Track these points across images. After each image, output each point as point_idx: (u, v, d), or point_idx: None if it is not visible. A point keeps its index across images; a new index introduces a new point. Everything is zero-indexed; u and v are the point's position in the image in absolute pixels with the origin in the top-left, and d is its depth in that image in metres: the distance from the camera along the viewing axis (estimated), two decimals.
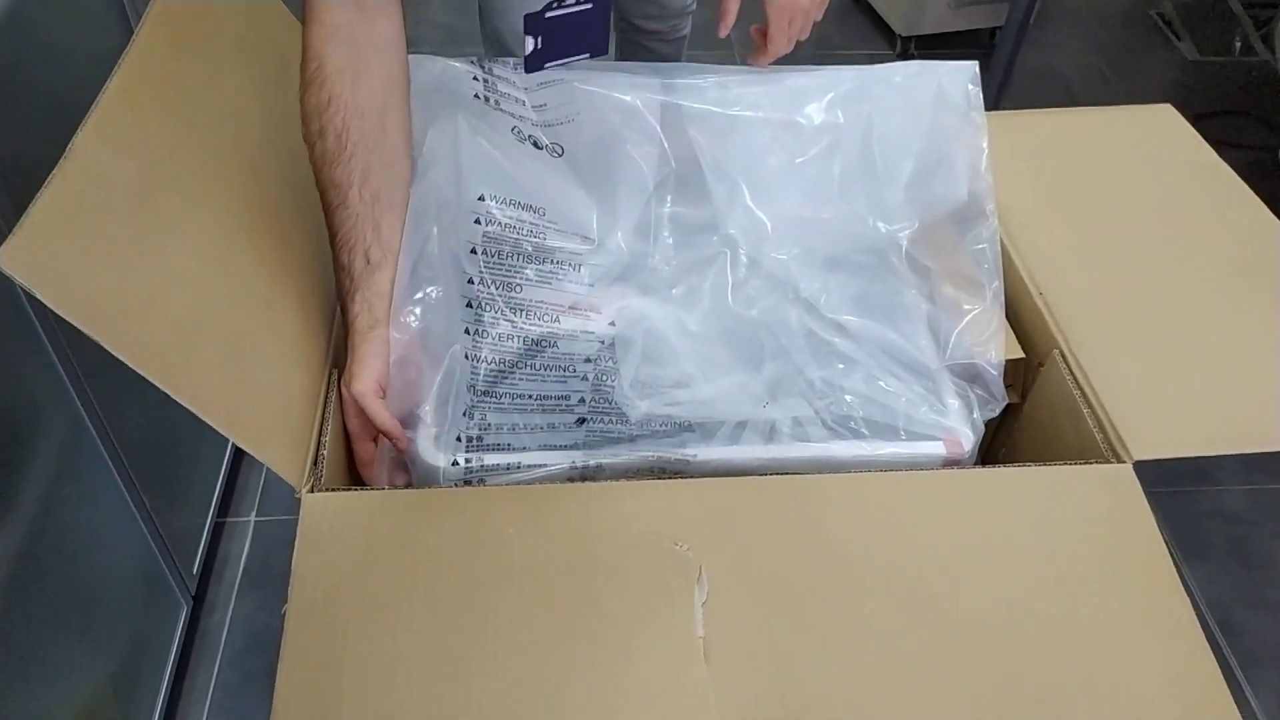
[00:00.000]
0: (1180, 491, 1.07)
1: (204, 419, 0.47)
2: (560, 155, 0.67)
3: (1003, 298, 0.65)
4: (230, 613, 0.93)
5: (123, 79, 0.50)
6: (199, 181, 0.53)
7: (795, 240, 0.69)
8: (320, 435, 0.56)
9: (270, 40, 0.66)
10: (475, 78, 0.67)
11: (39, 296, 0.41)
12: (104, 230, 0.46)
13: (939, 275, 0.66)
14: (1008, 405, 0.65)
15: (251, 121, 0.60)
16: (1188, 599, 0.49)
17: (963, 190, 0.67)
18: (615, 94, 0.67)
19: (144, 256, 0.48)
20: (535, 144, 0.67)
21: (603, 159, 0.68)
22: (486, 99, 0.67)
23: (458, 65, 0.67)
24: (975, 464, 0.63)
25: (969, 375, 0.64)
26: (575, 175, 0.68)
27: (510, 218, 0.66)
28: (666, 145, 0.68)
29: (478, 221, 0.66)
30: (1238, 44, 1.82)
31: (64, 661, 0.69)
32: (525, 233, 0.67)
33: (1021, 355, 0.65)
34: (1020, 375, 0.66)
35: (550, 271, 0.67)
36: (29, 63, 0.67)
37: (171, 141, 0.52)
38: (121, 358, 0.44)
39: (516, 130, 0.67)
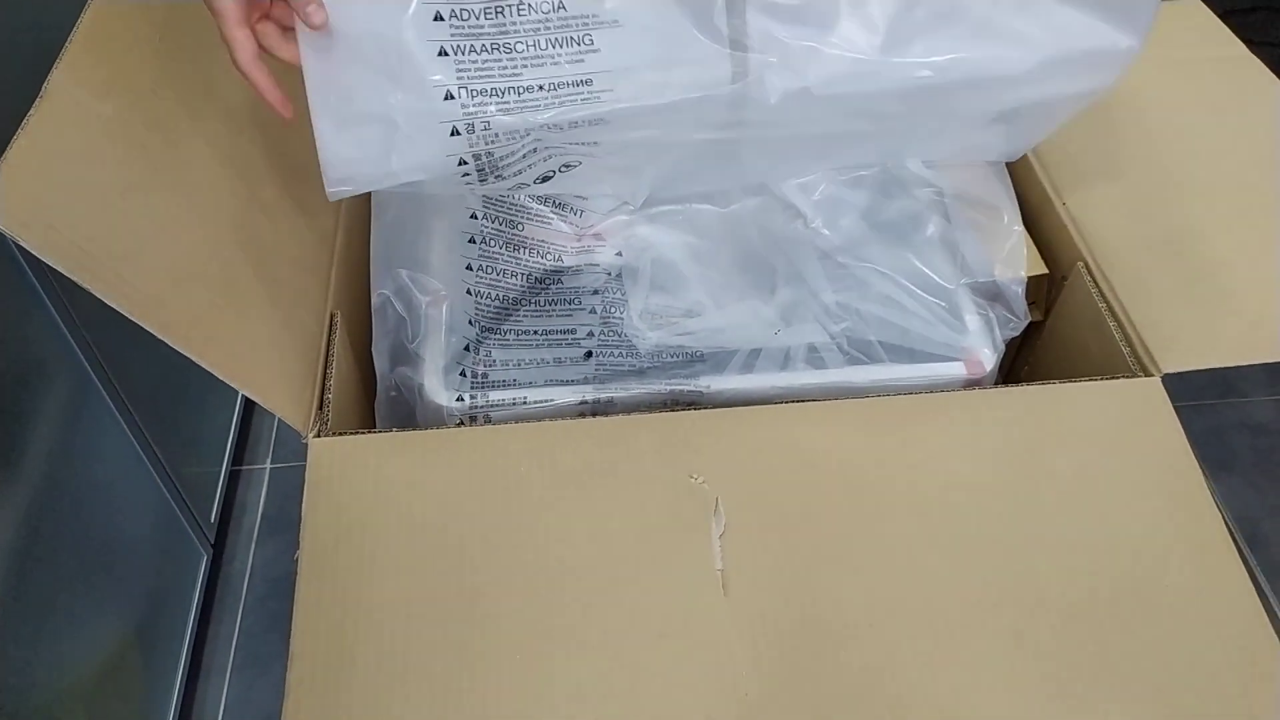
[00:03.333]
0: (1205, 405, 1.05)
1: (205, 366, 0.46)
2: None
3: (1019, 212, 0.62)
4: (251, 560, 0.93)
5: (95, 14, 0.48)
6: (182, 119, 0.51)
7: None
8: (325, 378, 0.54)
9: None
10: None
11: (23, 243, 0.40)
12: (88, 173, 0.45)
13: (954, 190, 0.64)
14: (1030, 322, 0.63)
15: None
16: (1218, 513, 0.48)
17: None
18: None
19: (131, 200, 0.46)
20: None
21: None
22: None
23: None
24: (997, 383, 0.61)
25: (989, 294, 0.62)
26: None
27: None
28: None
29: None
30: None
31: (87, 614, 0.70)
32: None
33: (1044, 271, 0.63)
34: (1043, 291, 0.64)
35: (552, 213, 0.65)
36: None
37: (151, 78, 0.50)
38: (115, 305, 0.43)
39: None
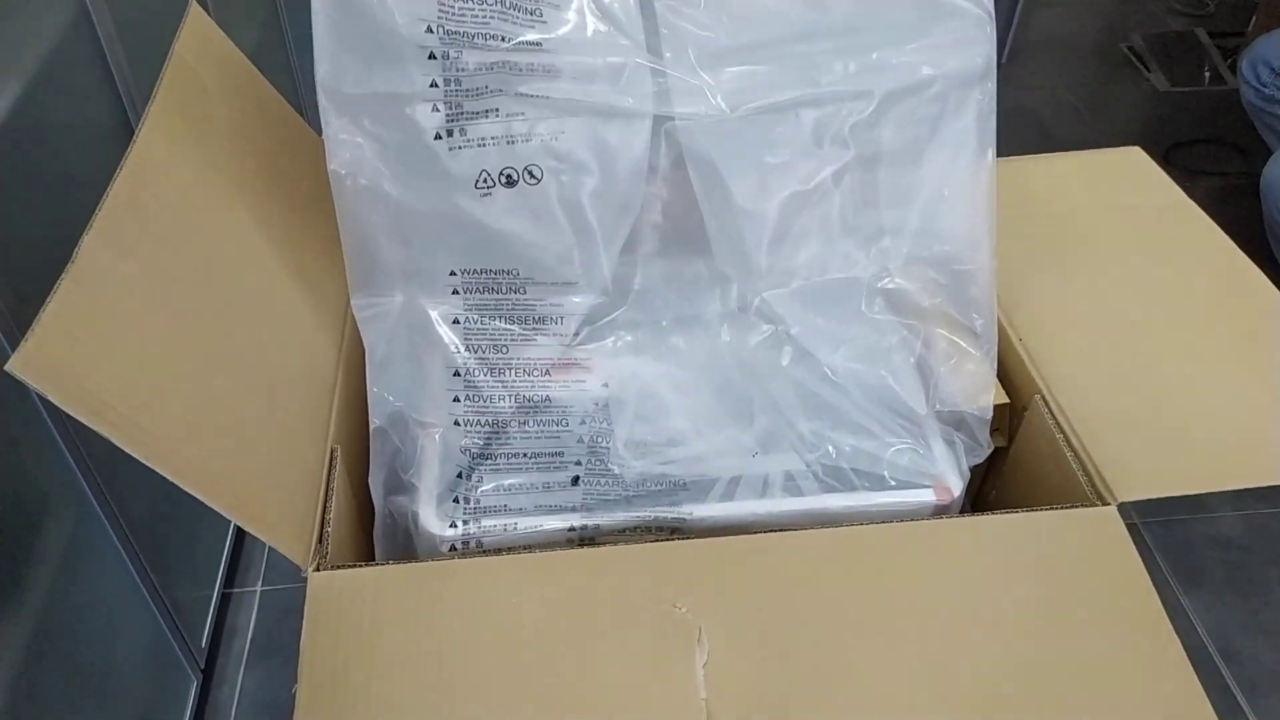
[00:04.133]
0: (1174, 520, 1.08)
1: (212, 506, 0.49)
2: (537, 182, 0.61)
3: (995, 342, 0.66)
4: (240, 684, 0.93)
5: (124, 181, 0.52)
6: (200, 274, 0.55)
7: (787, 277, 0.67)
8: (324, 513, 0.57)
9: (266, 128, 0.68)
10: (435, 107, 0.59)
11: (52, 400, 0.43)
12: (111, 330, 0.48)
13: (933, 318, 0.67)
14: (997, 448, 0.66)
15: (248, 212, 0.62)
16: (1176, 639, 0.51)
17: (964, 230, 0.66)
18: (608, 101, 0.59)
19: (150, 353, 0.49)
20: (508, 180, 0.61)
21: (583, 182, 0.62)
22: (447, 133, 0.60)
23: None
24: (965, 507, 0.64)
25: (955, 421, 0.66)
26: (553, 207, 0.62)
27: (487, 285, 0.66)
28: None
29: (455, 293, 0.66)
30: (1207, 74, 1.86)
31: None
32: (505, 294, 0.66)
33: (1005, 400, 0.67)
34: (1005, 419, 0.68)
35: (535, 328, 0.67)
36: (26, 149, 0.69)
37: (173, 238, 0.54)
38: (133, 453, 0.46)
39: (484, 177, 0.61)
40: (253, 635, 0.97)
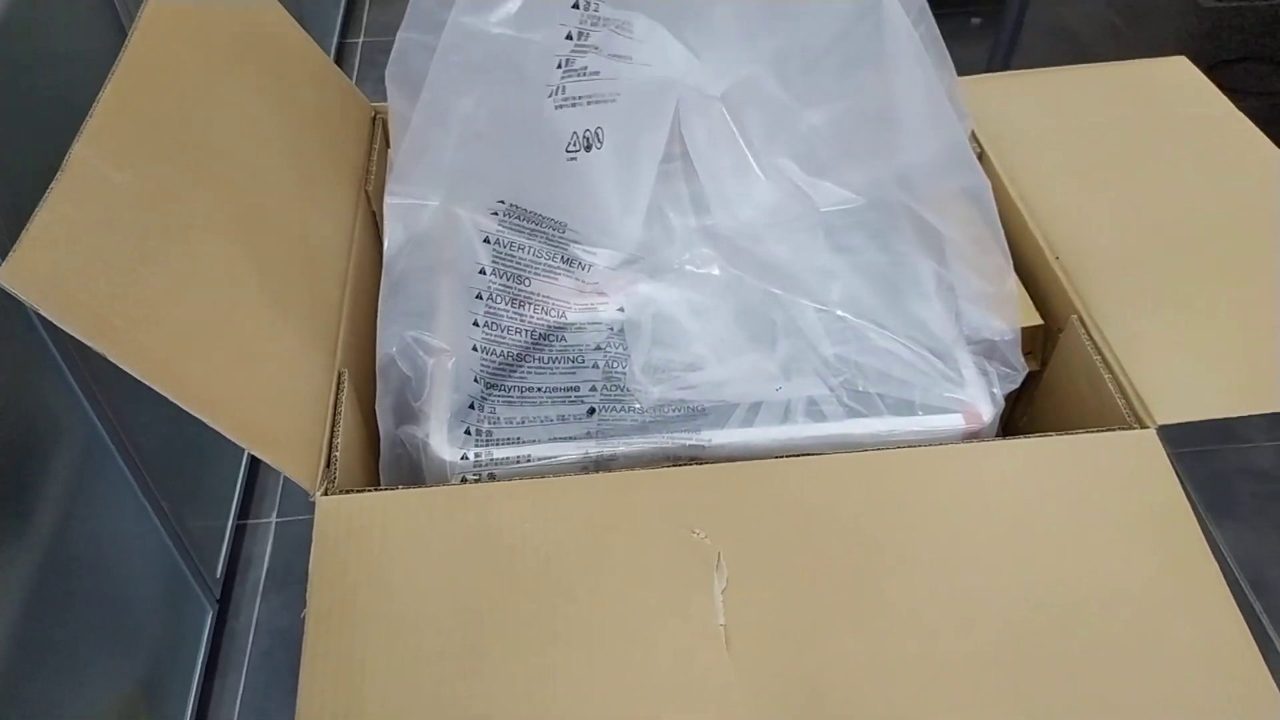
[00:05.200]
0: (1208, 450, 1.06)
1: (214, 427, 0.47)
2: (600, 148, 0.63)
3: (1011, 264, 0.63)
4: (256, 614, 0.93)
5: (116, 87, 0.49)
6: (197, 187, 0.53)
7: (796, 225, 0.68)
8: (332, 437, 0.55)
9: (266, 38, 0.65)
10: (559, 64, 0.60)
11: (42, 312, 0.41)
12: (104, 242, 0.46)
13: (950, 242, 0.65)
14: (1029, 373, 0.64)
15: (248, 122, 0.59)
16: (1215, 564, 0.49)
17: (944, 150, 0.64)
18: (656, 71, 0.63)
19: (146, 266, 0.47)
20: (586, 146, 0.63)
21: (632, 146, 0.65)
22: (559, 89, 0.61)
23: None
24: (997, 435, 0.62)
25: (985, 347, 0.63)
26: (606, 171, 0.65)
27: (530, 225, 0.66)
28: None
29: (495, 214, 0.65)
30: None
31: (93, 668, 0.70)
32: (542, 239, 0.66)
33: (1039, 322, 0.64)
34: (1039, 342, 0.65)
35: (562, 269, 0.66)
36: (21, 67, 0.66)
37: (168, 148, 0.51)
38: (130, 370, 0.44)
39: (573, 139, 0.62)
40: (269, 566, 0.97)
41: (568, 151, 0.62)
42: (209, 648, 0.86)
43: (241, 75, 0.60)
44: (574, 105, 0.61)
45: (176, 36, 0.55)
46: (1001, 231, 0.63)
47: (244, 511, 0.99)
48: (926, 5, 0.63)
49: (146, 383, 0.44)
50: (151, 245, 0.48)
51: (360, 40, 1.73)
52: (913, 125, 0.64)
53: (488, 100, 0.60)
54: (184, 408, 0.46)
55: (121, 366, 0.44)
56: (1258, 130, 0.70)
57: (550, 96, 0.60)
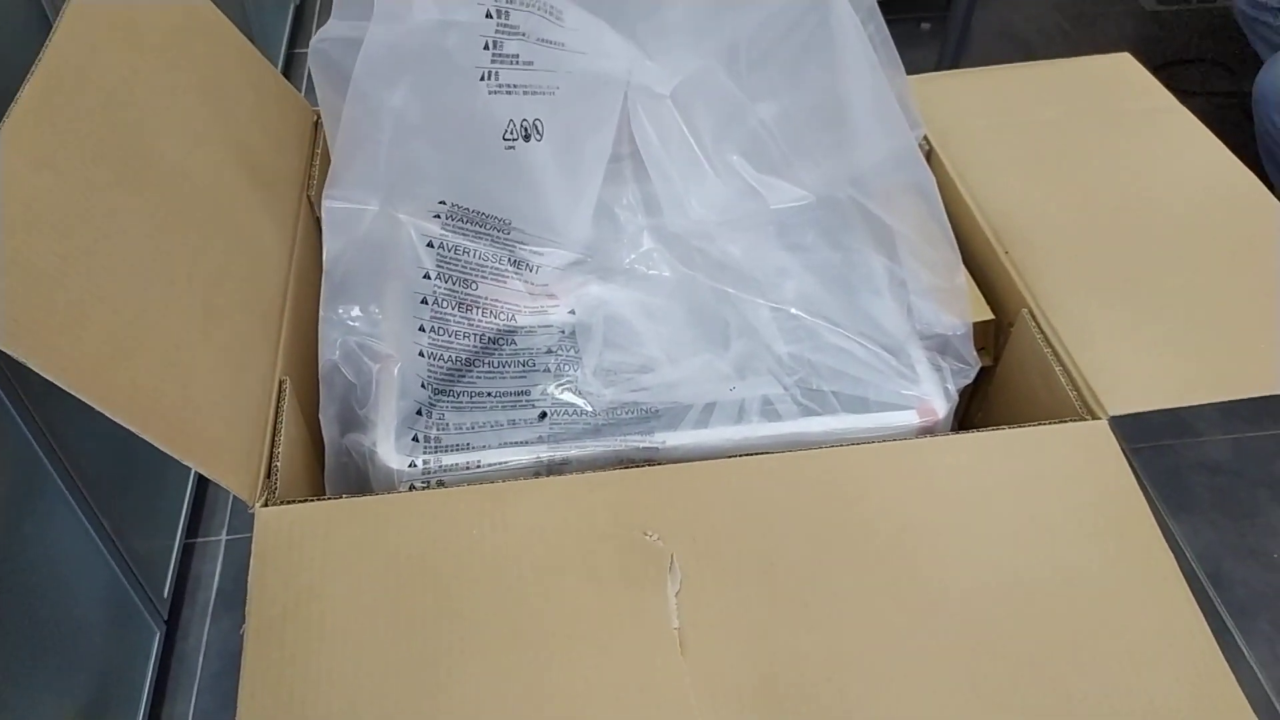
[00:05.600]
0: (1162, 445, 1.07)
1: (144, 436, 0.45)
2: (540, 139, 0.62)
3: (960, 259, 0.63)
4: (205, 636, 0.91)
5: (37, 85, 0.48)
6: (125, 189, 0.51)
7: (748, 223, 0.68)
8: (273, 446, 0.54)
9: (197, 38, 0.63)
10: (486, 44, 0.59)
11: None
12: (22, 244, 0.44)
13: (901, 237, 0.65)
14: (982, 368, 0.63)
15: (182, 124, 0.58)
16: (1170, 552, 0.48)
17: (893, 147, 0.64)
18: (598, 61, 0.63)
19: (67, 269, 0.45)
20: (525, 135, 0.62)
21: (575, 141, 0.64)
22: (491, 73, 0.59)
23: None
24: (951, 430, 0.61)
25: (938, 343, 0.63)
26: (548, 164, 0.64)
27: (474, 225, 0.65)
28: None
29: (437, 217, 0.64)
30: None
31: (37, 695, 0.67)
32: (487, 240, 0.65)
33: (991, 317, 0.64)
34: (991, 337, 0.65)
35: (510, 271, 0.65)
36: None
37: (93, 148, 0.50)
38: (51, 378, 0.42)
39: (510, 127, 0.61)
40: (219, 585, 0.94)
41: (505, 140, 0.61)
42: (156, 671, 0.83)
43: (174, 76, 0.59)
44: (509, 93, 0.60)
45: (103, 34, 0.53)
46: (949, 226, 0.63)
47: (193, 529, 0.96)
48: (875, 5, 0.63)
49: (71, 391, 0.42)
50: (74, 248, 0.46)
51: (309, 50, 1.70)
52: (864, 126, 0.64)
53: (419, 89, 0.59)
54: (111, 417, 0.44)
55: (44, 375, 0.42)
56: (1201, 124, 0.70)
57: (483, 80, 0.59)
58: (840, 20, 0.61)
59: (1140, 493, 0.50)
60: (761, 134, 0.65)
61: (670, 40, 0.65)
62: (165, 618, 0.86)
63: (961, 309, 0.62)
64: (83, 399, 0.43)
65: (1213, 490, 1.03)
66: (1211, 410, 1.09)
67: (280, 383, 0.56)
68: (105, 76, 0.52)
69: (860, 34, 0.61)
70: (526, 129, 0.61)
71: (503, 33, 0.59)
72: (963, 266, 0.63)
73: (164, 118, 0.56)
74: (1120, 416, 0.54)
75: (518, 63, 0.60)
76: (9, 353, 0.41)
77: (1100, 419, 0.54)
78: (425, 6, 0.57)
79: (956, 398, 0.61)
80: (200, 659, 0.89)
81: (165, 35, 0.59)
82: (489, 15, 0.58)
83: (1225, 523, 1.00)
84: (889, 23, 0.62)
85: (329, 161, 0.61)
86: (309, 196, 0.68)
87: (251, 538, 0.49)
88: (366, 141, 0.60)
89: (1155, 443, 1.07)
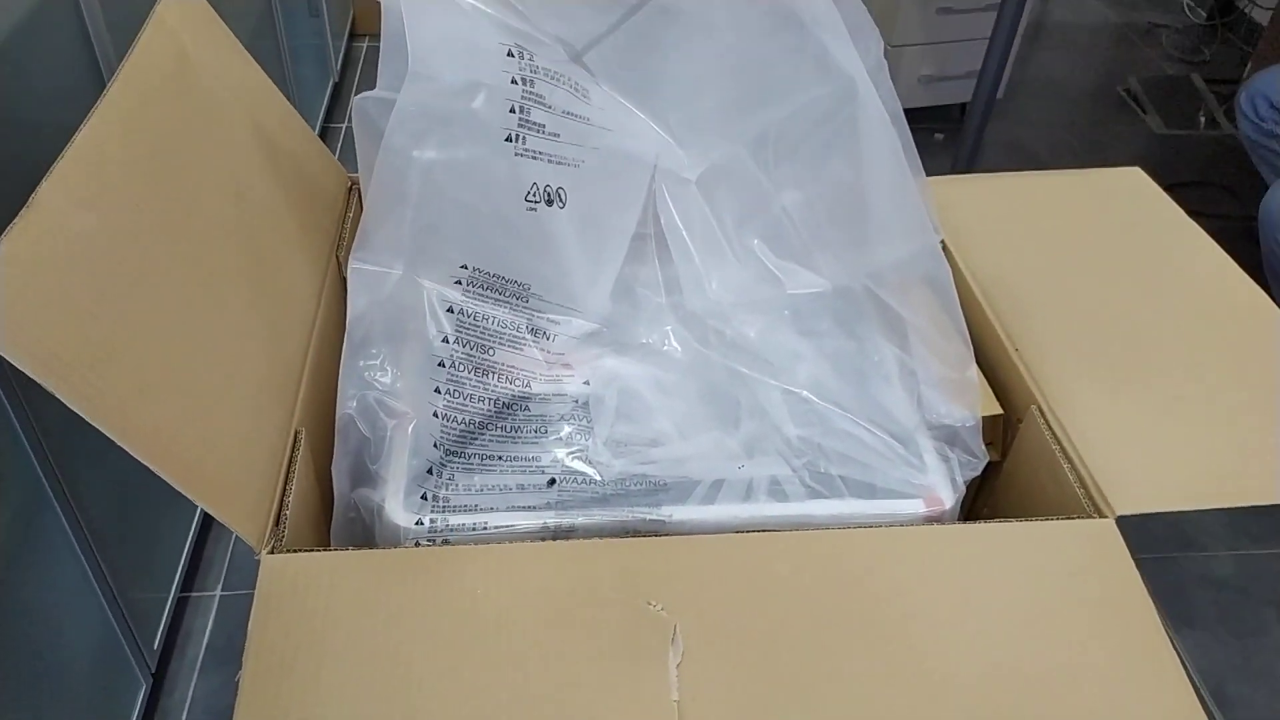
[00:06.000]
0: (1166, 558, 1.06)
1: (161, 475, 0.46)
2: (563, 207, 0.64)
3: (971, 352, 0.64)
4: (192, 691, 0.89)
5: (90, 132, 0.50)
6: (163, 236, 0.52)
7: (765, 307, 0.69)
8: (284, 494, 0.54)
9: (244, 99, 0.66)
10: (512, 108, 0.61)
11: None
12: (63, 282, 0.45)
13: (913, 328, 0.66)
14: (989, 463, 0.64)
15: (223, 179, 0.60)
16: (1172, 649, 0.48)
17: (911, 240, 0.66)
18: (625, 140, 0.66)
19: (102, 308, 0.47)
20: (548, 200, 0.63)
21: (598, 214, 0.66)
22: (517, 136, 0.62)
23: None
24: (959, 522, 0.62)
25: (947, 436, 0.64)
26: (569, 233, 0.65)
27: (493, 291, 0.66)
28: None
29: (459, 283, 0.65)
30: (1202, 119, 1.87)
31: None
32: (506, 306, 0.66)
33: (999, 412, 0.64)
34: (1000, 432, 0.66)
35: (526, 339, 0.66)
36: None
37: (136, 196, 0.51)
38: (79, 410, 0.43)
39: (533, 190, 0.63)
40: (209, 641, 0.93)
41: (527, 201, 0.63)
42: None
43: (220, 133, 0.61)
44: (534, 158, 0.62)
45: (155, 91, 0.56)
46: (963, 319, 0.64)
47: (188, 583, 0.95)
48: (901, 110, 0.65)
49: (94, 424, 0.43)
50: (110, 289, 0.47)
51: (344, 125, 1.76)
52: (886, 222, 0.66)
53: (447, 146, 0.61)
54: (131, 453, 0.44)
55: (70, 406, 0.43)
56: (1208, 237, 0.72)
57: (509, 141, 0.61)
58: (869, 117, 0.63)
59: (1145, 591, 0.50)
60: (784, 221, 0.67)
61: (702, 130, 0.67)
62: (153, 670, 0.85)
63: (971, 401, 0.63)
64: (105, 433, 0.44)
65: (1218, 606, 1.02)
66: (1216, 525, 1.09)
67: (296, 433, 0.57)
68: (155, 129, 0.54)
69: (889, 131, 0.63)
70: (550, 194, 0.63)
71: (529, 99, 0.61)
72: (974, 359, 0.64)
73: (207, 172, 0.58)
74: (1126, 520, 0.54)
75: (544, 132, 0.62)
76: (42, 383, 0.41)
77: (1107, 517, 0.54)
78: (456, 70, 0.59)
79: (963, 489, 0.61)
80: (184, 715, 0.87)
81: (215, 94, 0.62)
82: (514, 81, 0.60)
83: (1230, 639, 0.98)
84: None
85: (359, 224, 0.63)
86: (338, 256, 0.70)
87: (252, 596, 0.49)
88: (395, 202, 0.62)
89: (1160, 554, 1.06)
